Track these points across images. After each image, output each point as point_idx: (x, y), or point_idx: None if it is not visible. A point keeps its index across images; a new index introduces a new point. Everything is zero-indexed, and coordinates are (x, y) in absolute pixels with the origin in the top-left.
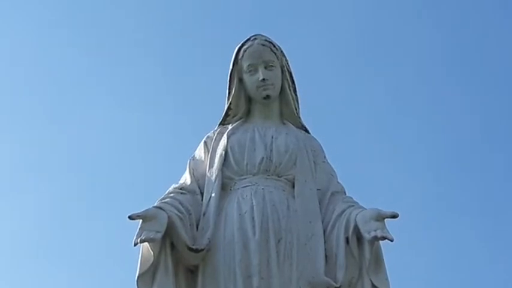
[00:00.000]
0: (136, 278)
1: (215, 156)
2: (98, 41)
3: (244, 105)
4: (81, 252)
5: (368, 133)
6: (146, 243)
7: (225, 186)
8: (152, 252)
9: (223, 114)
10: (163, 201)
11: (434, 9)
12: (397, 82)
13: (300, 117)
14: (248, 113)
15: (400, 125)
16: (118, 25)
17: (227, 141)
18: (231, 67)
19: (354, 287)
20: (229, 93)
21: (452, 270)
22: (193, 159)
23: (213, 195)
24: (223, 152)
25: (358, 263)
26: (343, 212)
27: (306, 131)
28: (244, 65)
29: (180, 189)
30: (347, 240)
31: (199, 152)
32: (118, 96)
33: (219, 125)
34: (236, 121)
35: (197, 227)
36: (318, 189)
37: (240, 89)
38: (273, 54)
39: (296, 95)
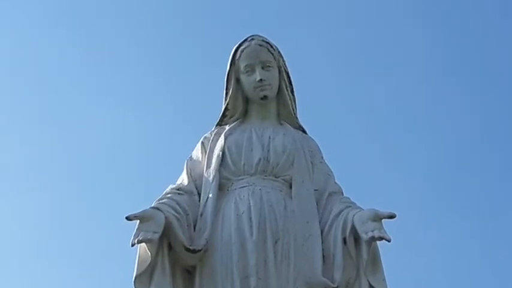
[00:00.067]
0: (133, 278)
1: (212, 156)
2: (96, 42)
3: (241, 105)
4: (79, 253)
5: (367, 133)
6: (143, 244)
7: (222, 187)
8: (149, 253)
9: (221, 114)
10: (160, 201)
11: (434, 9)
12: (396, 82)
13: (297, 118)
14: (245, 114)
15: (398, 125)
16: (117, 25)
17: (224, 142)
18: (228, 68)
19: None
20: (226, 93)
21: (450, 271)
22: (190, 160)
23: (210, 195)
24: (221, 153)
25: (356, 263)
26: (340, 212)
27: (303, 131)
28: (242, 65)
29: (178, 189)
30: (344, 241)
31: (197, 152)
32: (117, 96)
33: (216, 125)
34: (233, 122)
35: (194, 228)
36: (315, 190)
37: (238, 90)
38: (270, 54)
39: (293, 95)
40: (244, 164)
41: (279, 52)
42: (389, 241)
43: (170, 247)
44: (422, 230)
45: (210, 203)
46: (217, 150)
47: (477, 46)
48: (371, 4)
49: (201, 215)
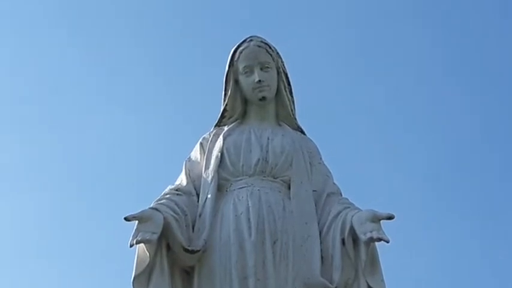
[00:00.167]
0: (132, 279)
1: (211, 157)
2: (96, 42)
3: (240, 106)
4: (79, 253)
5: (367, 133)
6: (142, 245)
7: (221, 188)
8: (148, 254)
9: (219, 115)
10: (159, 202)
11: (434, 9)
12: (396, 82)
13: (295, 119)
14: (244, 115)
15: (398, 125)
16: (117, 25)
17: (223, 143)
18: (226, 68)
19: None
20: (225, 94)
21: (450, 271)
22: (189, 161)
23: (209, 196)
24: (219, 154)
25: (354, 264)
26: (339, 213)
27: (302, 132)
28: (240, 66)
29: (176, 190)
30: (343, 242)
31: (195, 153)
32: (117, 96)
33: (215, 126)
34: (232, 122)
35: (193, 228)
36: (313, 191)
37: (236, 91)
38: (269, 55)
39: (292, 96)
40: (242, 165)
41: (277, 53)
42: (387, 242)
43: (169, 248)
44: (422, 230)
45: (208, 204)
46: (215, 151)
47: (477, 46)
48: (371, 4)
49: (200, 215)
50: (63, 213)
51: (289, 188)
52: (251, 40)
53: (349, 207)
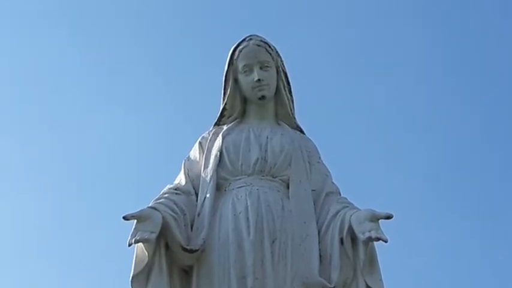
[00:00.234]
0: (130, 278)
1: (210, 156)
2: (96, 42)
3: (239, 105)
4: (77, 252)
5: (367, 133)
6: (140, 244)
7: (219, 187)
8: (146, 253)
9: (219, 114)
10: (157, 201)
11: (434, 9)
12: (396, 82)
13: (295, 118)
14: (243, 114)
15: (398, 125)
16: (117, 25)
17: (222, 142)
18: (226, 67)
19: None
20: (224, 93)
21: (449, 271)
22: (188, 160)
23: (207, 195)
24: (218, 153)
25: (353, 263)
26: (337, 212)
27: (301, 131)
28: (240, 65)
29: (175, 189)
30: (341, 241)
31: (194, 152)
32: (117, 96)
33: (214, 125)
34: (231, 121)
35: (192, 228)
36: (312, 190)
37: (236, 90)
38: (268, 54)
39: (291, 95)
40: (241, 164)
41: (277, 52)
42: (386, 241)
43: (167, 247)
44: (422, 230)
45: (207, 203)
46: (215, 150)
47: (477, 46)
48: (371, 4)
49: (199, 214)
50: (63, 213)
51: (288, 187)
52: (251, 39)
53: (347, 207)
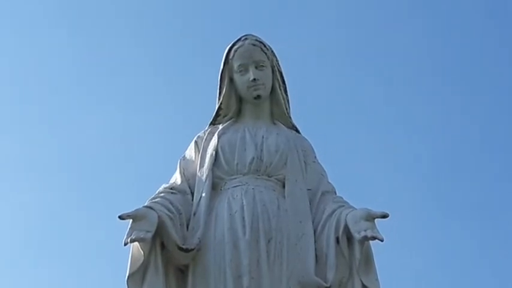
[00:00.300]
0: (126, 277)
1: (206, 156)
2: (96, 42)
3: (234, 105)
4: (73, 252)
5: (362, 133)
6: (136, 243)
7: (215, 186)
8: (142, 252)
9: (214, 114)
10: (153, 201)
11: (433, 9)
12: (394, 81)
13: (290, 117)
14: (239, 113)
15: (395, 125)
16: (117, 25)
17: (218, 141)
18: (221, 67)
19: (344, 287)
20: (219, 93)
21: (449, 271)
22: (183, 159)
23: (203, 195)
24: (214, 152)
25: (349, 263)
26: (333, 212)
27: (297, 131)
28: (235, 65)
29: (171, 189)
30: (337, 240)
31: (190, 151)
32: (117, 96)
33: (210, 125)
34: (227, 121)
35: (187, 227)
36: (308, 189)
37: (231, 89)
38: (264, 54)
39: (287, 95)
40: (237, 164)
41: (272, 52)
42: (382, 241)
43: (163, 246)
44: (422, 230)
45: (203, 202)
46: (210, 150)
47: (477, 46)
48: (371, 3)
49: (194, 214)
50: (60, 213)
51: (283, 186)
52: (246, 39)
53: (343, 206)
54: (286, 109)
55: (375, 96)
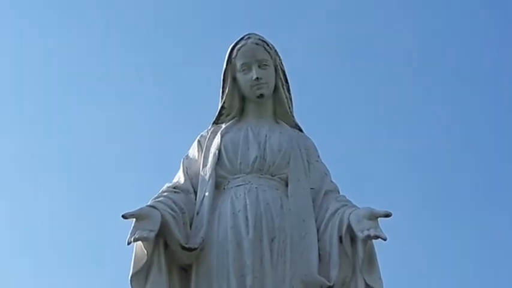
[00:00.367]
0: (129, 277)
1: (209, 155)
2: (96, 42)
3: (238, 104)
4: (76, 251)
5: (365, 131)
6: (140, 242)
7: (218, 185)
8: (146, 251)
9: (217, 113)
10: (156, 200)
11: (433, 9)
12: (394, 81)
13: (293, 116)
14: (242, 112)
15: (399, 123)
16: (117, 25)
17: (221, 140)
18: (224, 66)
19: (348, 286)
20: (222, 92)
21: (447, 270)
22: (187, 158)
23: (206, 194)
24: (217, 151)
25: (352, 262)
26: (336, 211)
27: (300, 130)
28: (238, 64)
29: (174, 188)
30: (340, 239)
31: (193, 151)
32: (116, 96)
33: (213, 124)
34: (230, 120)
35: (191, 226)
36: (311, 188)
37: (234, 88)
38: (267, 53)
39: (289, 93)
40: (240, 163)
41: (275, 51)
42: (385, 240)
43: (166, 245)
44: (421, 230)
45: (206, 202)
46: (213, 149)
47: (477, 46)
48: (371, 2)
49: (197, 213)
50: (62, 212)
51: (286, 185)
52: (249, 37)
53: (346, 205)
54: (289, 108)
55: (377, 95)
